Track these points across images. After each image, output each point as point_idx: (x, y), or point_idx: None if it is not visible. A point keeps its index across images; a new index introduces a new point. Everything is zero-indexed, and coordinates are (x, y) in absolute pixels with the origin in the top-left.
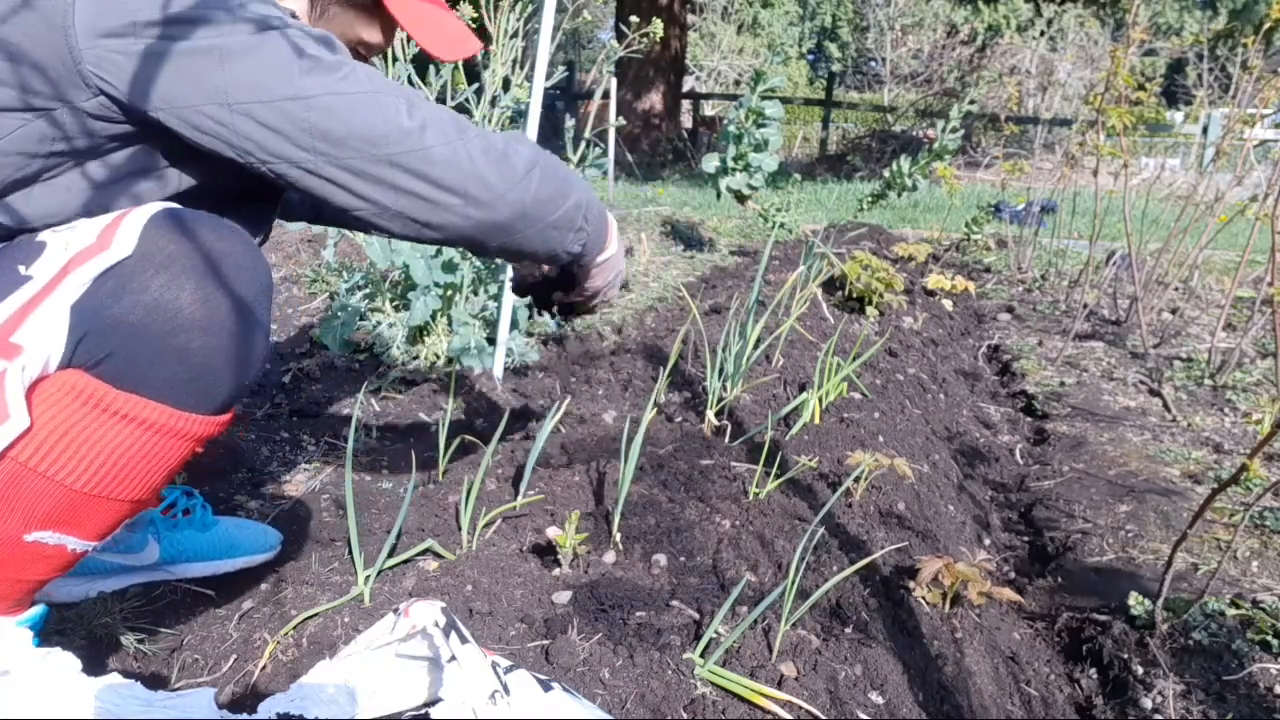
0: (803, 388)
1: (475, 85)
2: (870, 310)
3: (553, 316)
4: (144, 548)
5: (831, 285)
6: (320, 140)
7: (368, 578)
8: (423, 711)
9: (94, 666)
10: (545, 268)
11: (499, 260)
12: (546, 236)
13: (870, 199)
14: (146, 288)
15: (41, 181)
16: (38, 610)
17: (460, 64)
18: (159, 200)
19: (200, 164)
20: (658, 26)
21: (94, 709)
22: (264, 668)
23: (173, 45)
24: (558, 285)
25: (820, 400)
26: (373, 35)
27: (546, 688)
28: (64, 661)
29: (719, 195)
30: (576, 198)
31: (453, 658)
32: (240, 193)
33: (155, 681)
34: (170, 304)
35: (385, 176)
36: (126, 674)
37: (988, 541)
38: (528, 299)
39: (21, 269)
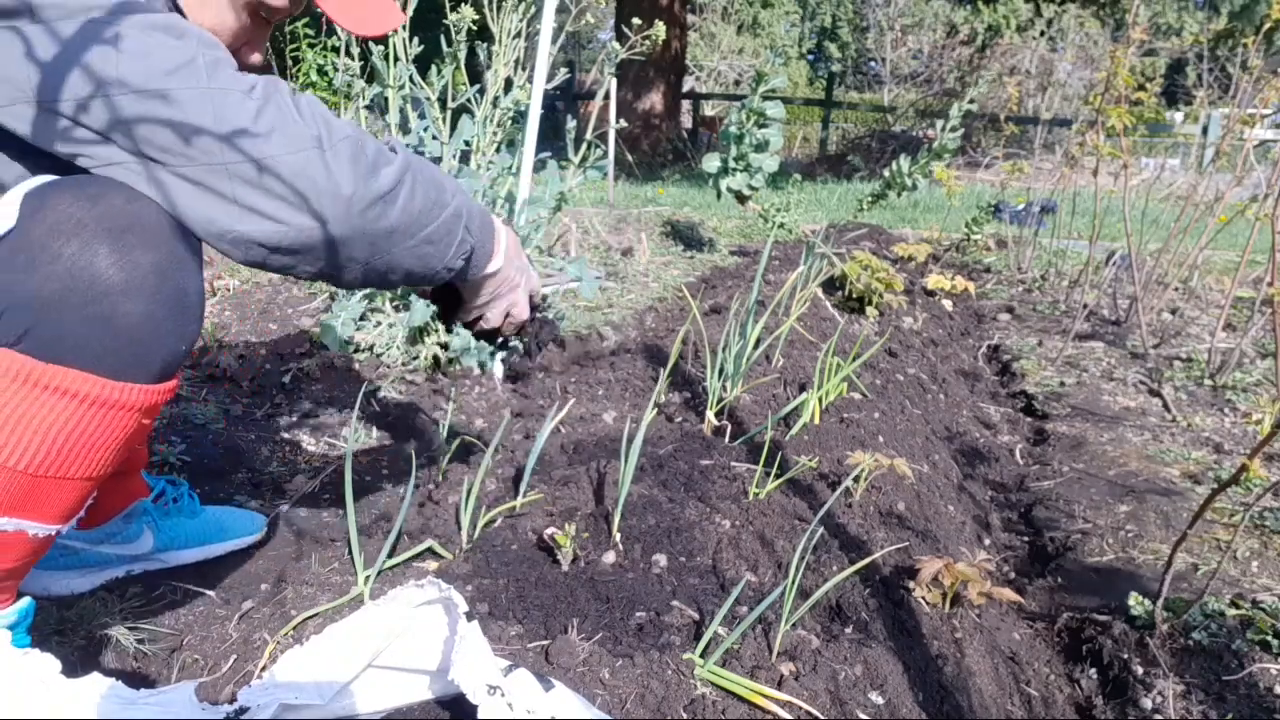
0: (803, 388)
1: (477, 86)
2: (870, 310)
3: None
4: (139, 537)
5: (831, 285)
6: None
7: (368, 578)
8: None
9: (93, 667)
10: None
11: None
12: (422, 253)
13: (870, 199)
14: (59, 256)
15: None
16: (24, 604)
17: (462, 64)
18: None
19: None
20: (660, 29)
21: (73, 709)
22: (264, 668)
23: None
24: (449, 304)
25: (820, 400)
26: (235, 17)
27: (547, 687)
28: (43, 663)
29: (719, 195)
30: (455, 206)
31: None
32: None
33: (150, 682)
34: (85, 270)
35: (221, 186)
36: (123, 674)
37: (988, 541)
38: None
39: None
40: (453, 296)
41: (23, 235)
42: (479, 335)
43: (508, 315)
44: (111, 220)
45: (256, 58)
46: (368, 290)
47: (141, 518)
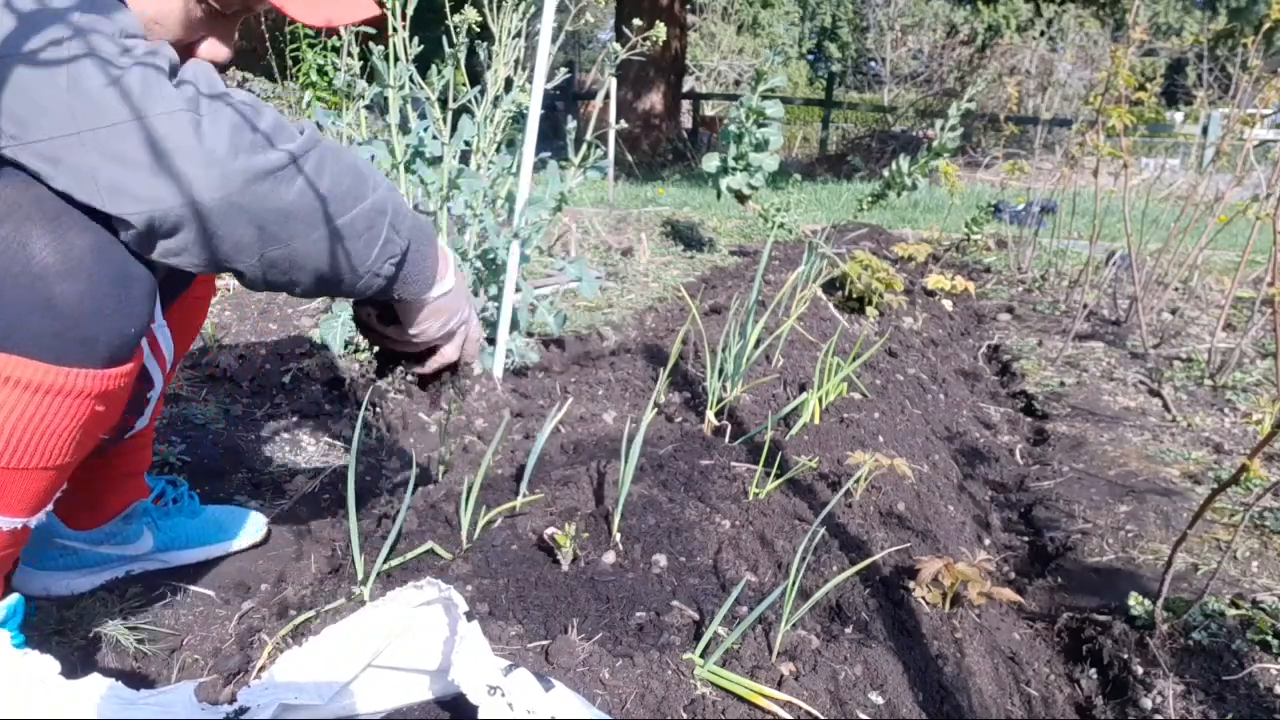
0: (803, 388)
1: (478, 86)
2: (870, 310)
3: (414, 382)
4: (139, 538)
5: (831, 285)
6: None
7: (367, 578)
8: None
9: (93, 667)
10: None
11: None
12: (334, 249)
13: (870, 199)
14: None
15: None
16: (12, 600)
17: (462, 64)
18: None
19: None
20: (661, 30)
21: (73, 709)
22: (263, 668)
23: None
24: (385, 334)
25: (820, 400)
26: (181, 3)
27: (547, 687)
28: (42, 663)
29: (719, 195)
30: (377, 199)
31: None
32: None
33: (150, 682)
34: (19, 253)
35: (79, 160)
36: (123, 674)
37: (988, 541)
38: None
39: None
40: (393, 333)
41: None
42: (420, 378)
43: (432, 345)
44: (47, 203)
45: (221, 52)
46: None
47: (141, 518)
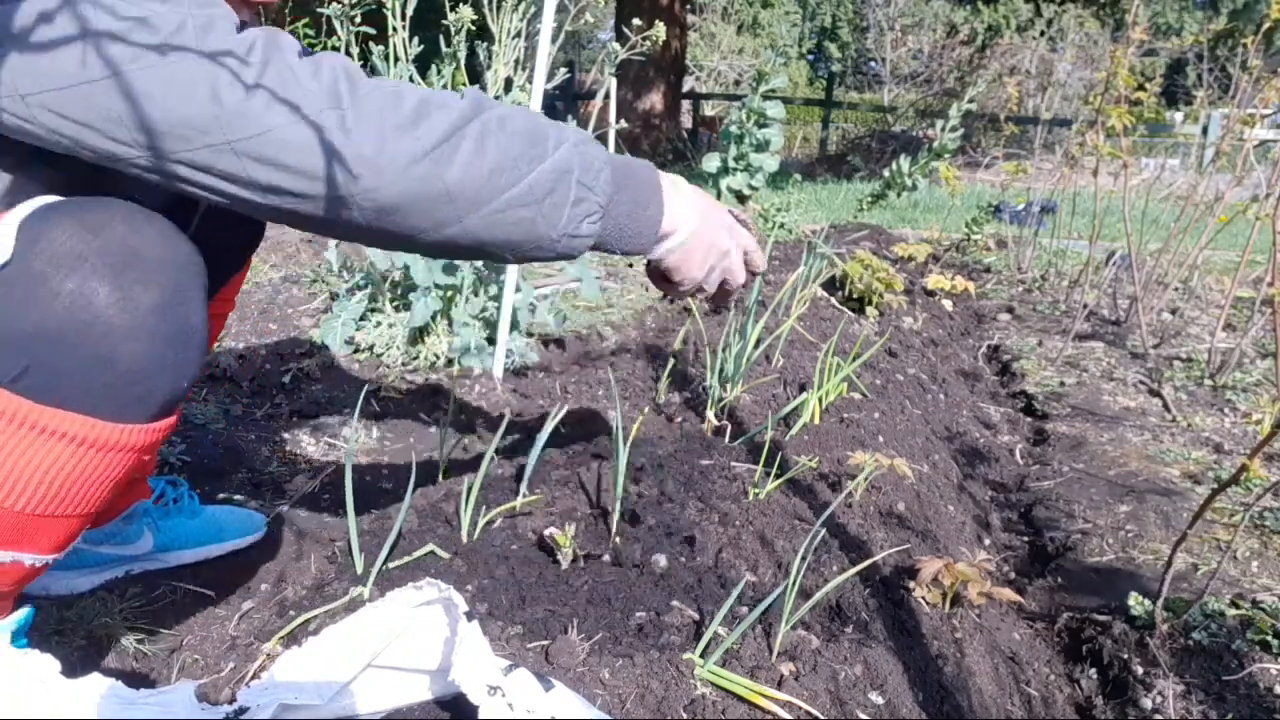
0: (803, 388)
1: (477, 86)
2: (870, 310)
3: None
4: (139, 538)
5: (831, 285)
6: (139, 132)
7: (367, 578)
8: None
9: (93, 667)
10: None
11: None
12: (514, 218)
13: (870, 199)
14: (57, 294)
15: None
16: (23, 614)
17: (461, 64)
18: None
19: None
20: (660, 30)
21: (73, 709)
22: (263, 668)
23: None
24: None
25: (820, 400)
26: None
27: (547, 687)
28: (42, 663)
29: (719, 195)
30: (558, 162)
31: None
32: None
33: (150, 682)
34: (85, 310)
35: (233, 173)
36: (123, 674)
37: (988, 541)
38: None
39: None
40: (663, 284)
41: (20, 268)
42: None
43: (724, 283)
44: (112, 255)
45: (246, 12)
46: (366, 289)
47: (142, 519)
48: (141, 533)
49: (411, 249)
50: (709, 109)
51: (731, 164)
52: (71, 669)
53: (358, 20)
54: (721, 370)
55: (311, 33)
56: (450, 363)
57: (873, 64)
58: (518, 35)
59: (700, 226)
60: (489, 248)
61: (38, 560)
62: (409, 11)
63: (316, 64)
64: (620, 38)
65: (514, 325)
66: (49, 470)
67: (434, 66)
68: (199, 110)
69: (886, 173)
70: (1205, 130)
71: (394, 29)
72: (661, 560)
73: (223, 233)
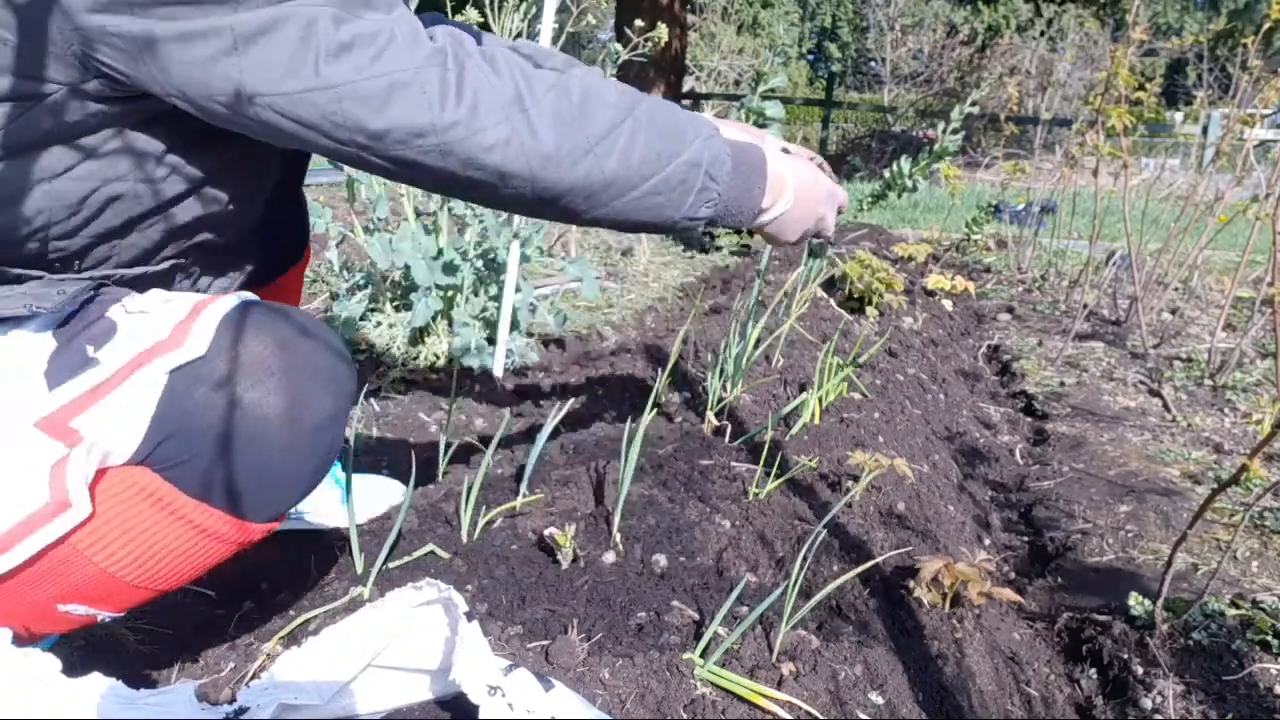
0: (803, 388)
1: None
2: (870, 310)
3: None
4: None
5: (831, 285)
6: (358, 134)
7: (367, 578)
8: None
9: (93, 667)
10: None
11: (519, 254)
12: (650, 204)
13: (870, 199)
14: (239, 400)
15: (48, 181)
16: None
17: None
18: (177, 190)
19: (231, 136)
20: (662, 32)
21: (75, 708)
22: (263, 668)
23: (174, 25)
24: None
25: (820, 400)
26: None
27: (547, 687)
28: (43, 661)
29: None
30: (692, 155)
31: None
32: (286, 163)
33: (150, 682)
34: (260, 421)
35: (437, 165)
36: (123, 674)
37: (988, 541)
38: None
39: (90, 350)
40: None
41: (211, 366)
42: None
43: (817, 235)
44: (297, 372)
45: None
46: (366, 289)
47: None
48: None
49: (559, 220)
50: (709, 109)
51: None
52: (71, 669)
53: None
54: (721, 370)
55: None
56: (450, 362)
57: (873, 64)
58: (519, 36)
59: (796, 201)
60: (622, 225)
61: (108, 618)
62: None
63: (493, 61)
64: (620, 38)
65: (514, 325)
66: (168, 550)
67: None
68: (412, 117)
69: (886, 173)
70: (1205, 130)
71: None
72: (661, 560)
73: (283, 217)
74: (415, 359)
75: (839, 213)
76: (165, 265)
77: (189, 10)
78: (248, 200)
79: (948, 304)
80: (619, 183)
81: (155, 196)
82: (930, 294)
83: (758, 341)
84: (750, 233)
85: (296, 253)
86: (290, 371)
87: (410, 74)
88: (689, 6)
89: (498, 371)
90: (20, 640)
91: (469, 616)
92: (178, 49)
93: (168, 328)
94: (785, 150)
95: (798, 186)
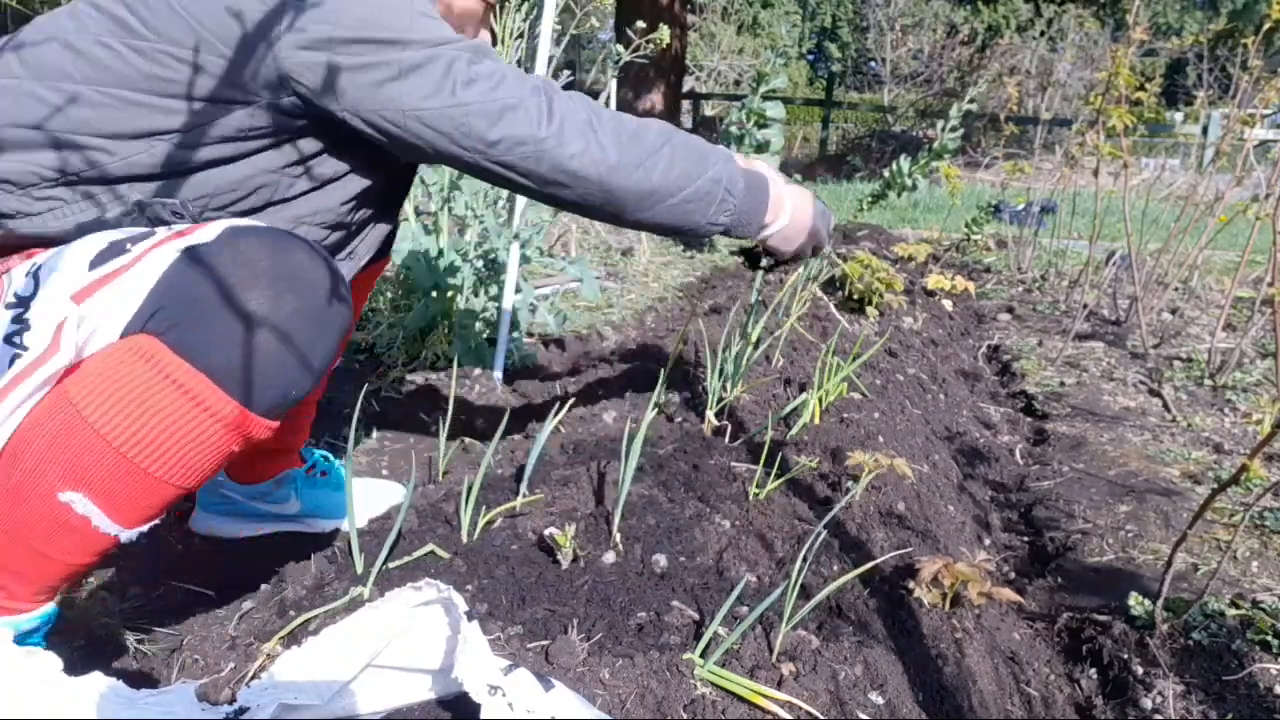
0: (803, 388)
1: None
2: (870, 310)
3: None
4: (287, 501)
5: (832, 285)
6: (478, 142)
7: (368, 578)
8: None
9: (93, 667)
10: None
11: (516, 257)
12: (683, 210)
13: (870, 199)
14: (228, 276)
15: (223, 164)
16: (48, 609)
17: None
18: (310, 182)
19: (358, 151)
20: (664, 33)
21: (75, 708)
22: (263, 668)
23: (359, 59)
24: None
25: (820, 400)
26: (478, 3)
27: (547, 687)
28: (45, 661)
29: None
30: (714, 174)
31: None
32: (389, 177)
33: (150, 682)
34: (244, 295)
35: (532, 169)
36: (123, 674)
37: (988, 541)
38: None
39: (128, 245)
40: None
41: (209, 253)
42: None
43: (792, 258)
44: (285, 267)
45: (485, 34)
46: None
47: (290, 484)
48: (289, 496)
49: (611, 222)
50: (709, 109)
51: None
52: (71, 669)
53: None
54: (721, 370)
55: None
56: (450, 362)
57: (873, 64)
58: (520, 36)
59: (792, 219)
60: (660, 227)
61: (108, 525)
62: None
63: (572, 97)
64: (621, 39)
65: (514, 325)
66: (161, 419)
67: None
68: (517, 131)
69: (886, 173)
70: (1205, 130)
71: None
72: (661, 560)
73: (380, 223)
74: (415, 359)
75: (830, 234)
76: None
77: (371, 49)
78: (359, 204)
79: (948, 304)
80: (660, 192)
81: (292, 189)
82: (930, 294)
83: (758, 341)
84: (757, 246)
85: (381, 253)
86: (282, 267)
87: (517, 100)
88: (689, 6)
89: (498, 372)
90: (28, 587)
91: (469, 616)
92: (359, 75)
93: (189, 225)
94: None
95: (794, 207)
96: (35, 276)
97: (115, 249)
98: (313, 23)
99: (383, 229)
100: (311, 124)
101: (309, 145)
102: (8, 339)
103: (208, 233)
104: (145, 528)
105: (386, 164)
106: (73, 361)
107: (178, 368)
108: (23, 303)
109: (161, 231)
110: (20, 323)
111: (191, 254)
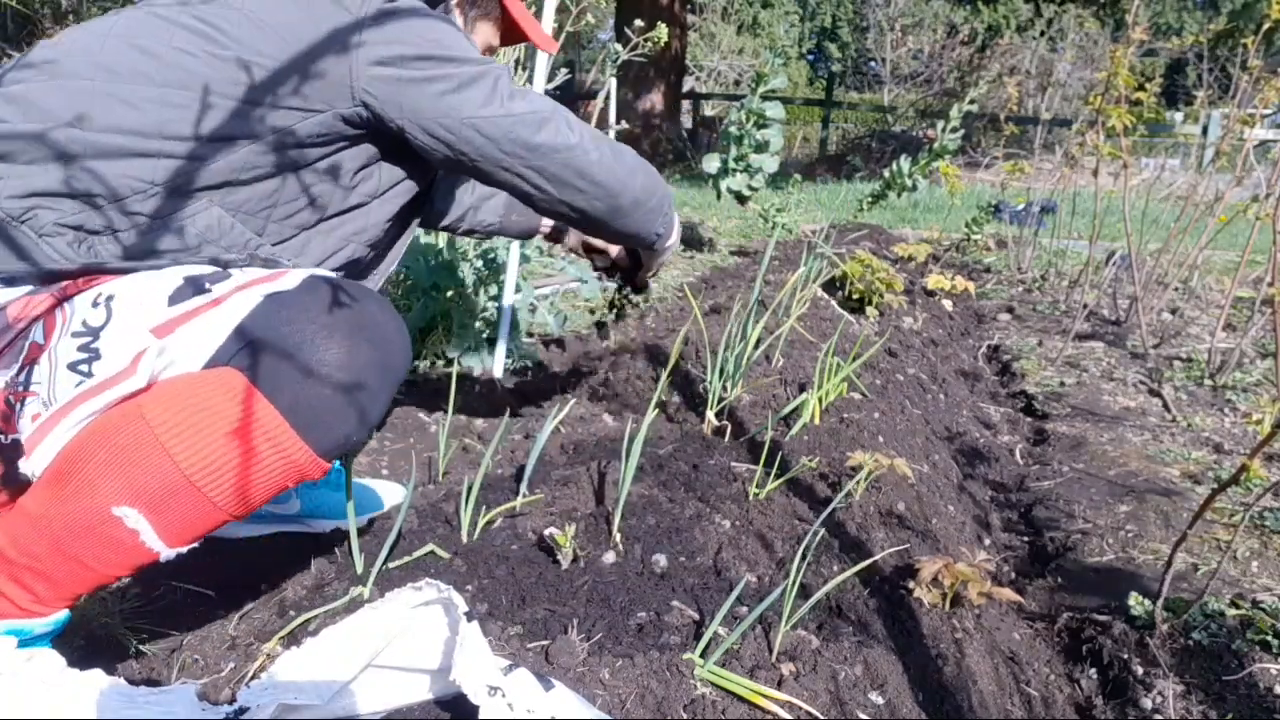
0: (803, 388)
1: None
2: (870, 310)
3: (635, 291)
4: (288, 500)
5: (832, 285)
6: (520, 147)
7: (368, 578)
8: (429, 696)
9: (93, 666)
10: (617, 250)
11: (520, 255)
12: (647, 220)
13: (870, 199)
14: (310, 322)
15: (290, 172)
16: (62, 615)
17: None
18: (357, 191)
19: (404, 163)
20: (663, 32)
21: (75, 708)
22: (263, 668)
23: (424, 73)
24: (629, 268)
25: (820, 400)
26: (496, 39)
27: (547, 687)
28: (48, 660)
29: (719, 196)
30: (663, 192)
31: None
32: (416, 198)
33: (150, 682)
34: (322, 342)
35: (560, 174)
36: (123, 674)
37: (988, 541)
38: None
39: (207, 285)
40: (633, 264)
41: (291, 300)
42: (635, 286)
43: (657, 270)
44: (361, 318)
45: None
46: None
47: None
48: (290, 497)
49: (592, 230)
50: (709, 109)
51: (731, 165)
52: (72, 668)
53: None
54: (721, 370)
55: None
56: (450, 362)
57: (873, 64)
58: None
59: (675, 240)
60: (631, 236)
61: (154, 542)
62: None
63: (579, 122)
64: (620, 38)
65: (514, 325)
66: (227, 445)
67: None
68: (554, 138)
69: (886, 173)
70: (1205, 130)
71: None
72: (661, 560)
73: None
74: (415, 359)
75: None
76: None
77: (434, 65)
78: (394, 222)
79: (948, 304)
80: (640, 200)
81: (346, 201)
82: (930, 294)
83: (758, 341)
84: (634, 254)
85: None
86: (356, 318)
87: (549, 112)
88: (689, 6)
89: (497, 372)
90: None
91: (469, 616)
92: (422, 86)
93: (268, 270)
94: None
95: (677, 231)
96: (108, 307)
97: (194, 287)
98: (384, 42)
99: (403, 246)
100: (368, 134)
101: (362, 155)
102: (73, 366)
103: (290, 280)
104: (185, 549)
105: (418, 180)
106: (143, 385)
107: (260, 405)
108: (93, 332)
109: (239, 274)
110: (88, 351)
111: (275, 299)
